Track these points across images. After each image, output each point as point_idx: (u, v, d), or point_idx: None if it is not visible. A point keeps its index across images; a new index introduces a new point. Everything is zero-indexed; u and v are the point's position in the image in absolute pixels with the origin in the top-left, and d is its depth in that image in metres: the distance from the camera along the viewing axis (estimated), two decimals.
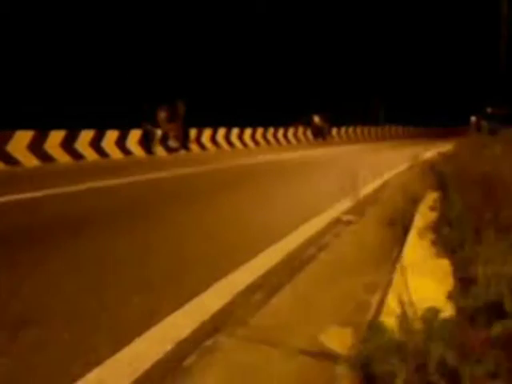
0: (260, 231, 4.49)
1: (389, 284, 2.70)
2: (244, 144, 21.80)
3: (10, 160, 12.20)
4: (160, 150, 16.93)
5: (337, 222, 4.74)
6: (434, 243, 2.71)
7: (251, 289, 2.92)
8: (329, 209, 5.47)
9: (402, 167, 10.16)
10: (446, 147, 16.13)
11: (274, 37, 29.96)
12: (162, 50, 21.38)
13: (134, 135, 16.05)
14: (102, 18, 19.05)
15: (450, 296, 1.79)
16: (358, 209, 5.52)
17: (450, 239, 2.56)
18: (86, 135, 14.24)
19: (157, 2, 21.74)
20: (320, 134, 28.48)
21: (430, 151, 14.54)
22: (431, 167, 5.47)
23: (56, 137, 13.35)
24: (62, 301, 2.82)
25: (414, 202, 4.71)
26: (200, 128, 19.16)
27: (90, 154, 14.29)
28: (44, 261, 3.61)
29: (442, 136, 29.63)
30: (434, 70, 41.70)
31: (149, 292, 2.91)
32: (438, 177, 4.47)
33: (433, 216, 3.39)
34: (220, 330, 2.38)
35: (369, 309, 2.60)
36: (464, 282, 2.02)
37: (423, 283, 2.31)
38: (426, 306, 1.61)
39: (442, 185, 4.04)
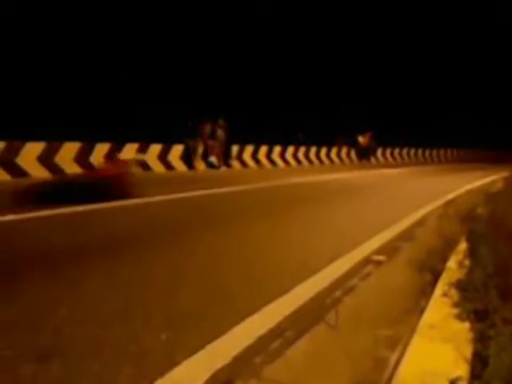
0: (290, 265, 4.47)
1: (409, 341, 2.66)
2: (286, 162, 21.85)
3: (58, 170, 12.61)
4: (201, 166, 17.16)
5: (367, 261, 4.67)
6: (457, 304, 2.65)
7: (270, 336, 2.91)
8: (361, 244, 5.39)
9: (450, 196, 9.95)
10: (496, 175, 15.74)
11: (316, 54, 29.94)
12: (205, 67, 21.73)
13: (176, 150, 16.34)
14: (148, 37, 19.56)
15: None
16: (392, 246, 5.43)
17: (473, 303, 2.49)
18: (130, 148, 14.59)
19: (197, 21, 22.18)
20: (365, 155, 28.02)
21: (480, 181, 14.22)
22: (469, 211, 5.33)
23: (100, 149, 13.73)
24: (90, 330, 2.89)
25: (450, 245, 4.60)
26: (242, 145, 19.33)
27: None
28: (77, 285, 3.72)
29: (495, 161, 28.31)
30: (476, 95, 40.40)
31: (174, 328, 2.93)
32: (471, 226, 4.36)
33: (463, 270, 3.31)
34: (233, 381, 2.39)
35: (386, 368, 2.56)
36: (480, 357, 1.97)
37: (442, 351, 2.26)
38: None
39: (473, 237, 3.95)
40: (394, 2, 33.88)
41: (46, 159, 12.50)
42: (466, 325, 2.51)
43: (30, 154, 12.20)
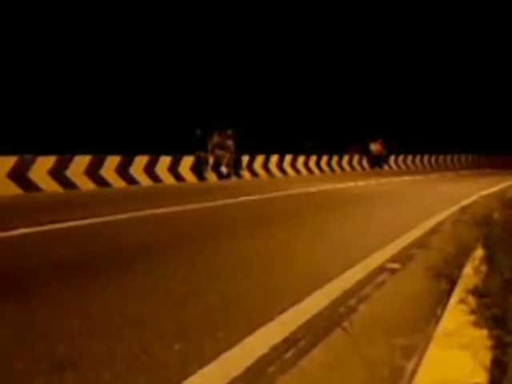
0: (303, 274, 4.43)
1: (426, 349, 2.61)
2: (297, 171, 21.80)
3: (69, 184, 12.67)
4: (212, 177, 17.17)
5: (381, 269, 4.62)
6: (475, 311, 2.60)
7: (284, 345, 2.87)
8: (376, 252, 5.33)
9: (465, 202, 9.85)
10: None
11: (327, 61, 29.95)
12: (214, 77, 21.84)
13: (187, 162, 16.39)
14: (156, 48, 19.70)
15: None
16: (406, 253, 5.37)
17: (491, 309, 2.44)
18: (141, 161, 14.66)
19: (207, 28, 22.33)
20: (377, 163, 27.89)
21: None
22: (485, 217, 5.25)
23: (112, 162, 13.79)
24: (102, 341, 2.87)
25: (466, 252, 4.53)
26: (252, 155, 19.33)
27: (144, 180, 14.68)
28: (91, 296, 3.72)
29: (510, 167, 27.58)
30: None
31: (188, 339, 2.91)
32: (487, 231, 4.29)
33: (479, 276, 3.25)
34: None
35: (402, 376, 2.51)
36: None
37: (459, 358, 2.21)
38: None
39: (489, 243, 3.88)
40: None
41: (57, 173, 12.54)
42: (484, 332, 2.46)
43: (41, 168, 12.24)
